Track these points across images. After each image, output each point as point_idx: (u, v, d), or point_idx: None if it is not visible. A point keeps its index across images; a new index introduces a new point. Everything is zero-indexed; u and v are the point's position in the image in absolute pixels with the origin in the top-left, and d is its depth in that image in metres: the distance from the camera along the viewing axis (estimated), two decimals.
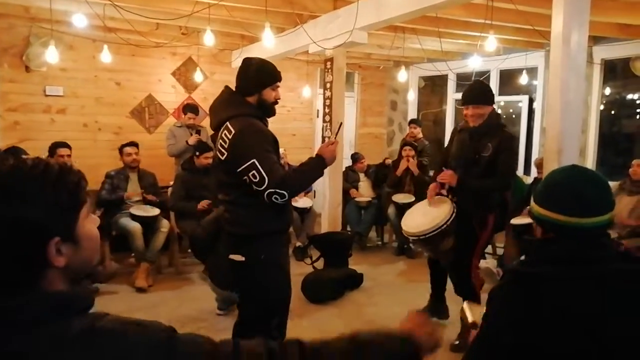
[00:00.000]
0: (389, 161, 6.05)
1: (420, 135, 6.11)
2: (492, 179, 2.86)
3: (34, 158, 0.80)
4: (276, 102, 2.21)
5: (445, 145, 3.36)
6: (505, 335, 1.15)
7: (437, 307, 3.43)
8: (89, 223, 0.83)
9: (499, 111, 6.86)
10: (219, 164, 2.12)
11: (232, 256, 2.08)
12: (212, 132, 2.22)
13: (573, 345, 1.10)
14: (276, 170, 1.98)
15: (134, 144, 4.61)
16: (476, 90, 2.96)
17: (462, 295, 3.10)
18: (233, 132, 2.00)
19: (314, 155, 2.17)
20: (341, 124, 3.03)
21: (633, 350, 1.10)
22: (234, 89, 2.18)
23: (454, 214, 2.85)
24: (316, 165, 2.12)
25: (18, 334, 0.69)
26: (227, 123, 2.04)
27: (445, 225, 2.81)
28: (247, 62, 2.20)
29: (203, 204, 4.29)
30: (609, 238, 1.22)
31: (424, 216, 2.96)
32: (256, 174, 1.94)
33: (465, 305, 1.65)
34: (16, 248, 0.72)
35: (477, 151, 2.88)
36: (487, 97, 2.91)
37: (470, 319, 1.58)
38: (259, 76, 2.14)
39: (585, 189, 1.19)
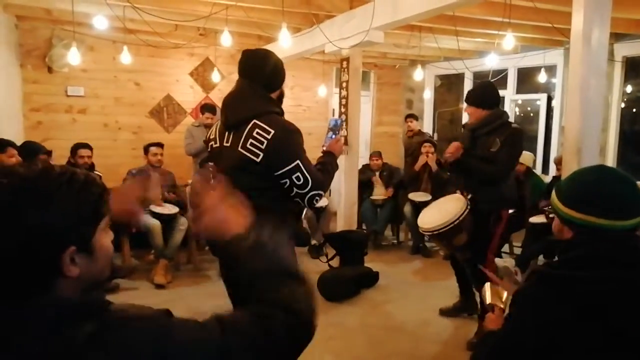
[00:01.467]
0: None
1: (418, 128, 6.18)
2: (491, 165, 2.94)
3: (61, 166, 0.80)
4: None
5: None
6: (531, 336, 1.14)
7: (466, 304, 3.51)
8: (105, 237, 0.83)
9: (517, 110, 6.81)
10: (244, 166, 1.87)
11: None
12: (224, 126, 2.01)
13: (605, 349, 1.08)
14: (315, 171, 1.94)
15: (160, 145, 4.70)
16: (475, 91, 3.14)
17: (479, 290, 3.12)
18: (272, 132, 1.84)
19: (321, 154, 2.17)
20: (343, 121, 3.04)
21: None
22: (248, 81, 1.98)
23: (467, 210, 2.92)
24: (334, 163, 2.13)
25: (28, 342, 0.69)
26: (256, 121, 1.87)
27: (457, 220, 2.88)
28: (264, 54, 2.04)
29: None
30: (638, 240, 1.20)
31: (439, 212, 3.04)
32: (300, 176, 1.87)
33: (487, 286, 1.65)
34: (32, 253, 0.72)
35: (486, 147, 2.97)
36: (482, 101, 3.04)
37: (488, 300, 1.58)
38: (282, 70, 2.04)
39: (620, 190, 1.18)
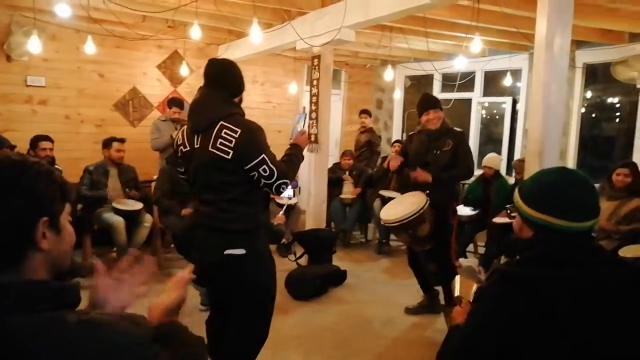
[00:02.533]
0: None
1: (371, 125, 6.34)
2: (457, 169, 3.32)
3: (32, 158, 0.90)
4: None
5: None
6: (492, 333, 1.16)
7: (430, 302, 3.64)
8: (67, 223, 0.92)
9: (483, 112, 6.97)
10: (215, 163, 2.06)
11: (230, 251, 2.11)
12: (191, 130, 2.16)
13: (561, 346, 1.11)
14: (279, 163, 2.16)
15: (122, 141, 4.56)
16: (432, 98, 3.58)
17: (443, 283, 3.43)
18: (238, 131, 2.04)
19: (289, 146, 2.40)
20: (307, 114, 3.27)
21: (620, 354, 1.11)
22: (211, 89, 2.17)
23: (427, 203, 3.19)
24: (299, 154, 2.36)
25: (12, 315, 0.75)
26: (222, 122, 2.05)
27: (421, 210, 3.13)
28: (228, 63, 2.23)
29: (186, 212, 4.24)
30: (594, 240, 1.25)
31: (402, 205, 3.29)
32: (266, 168, 2.08)
33: (457, 278, 1.66)
34: (16, 214, 0.81)
35: (437, 148, 3.36)
36: (439, 103, 3.49)
37: (456, 292, 1.60)
38: (240, 77, 2.23)
39: (579, 193, 1.21)
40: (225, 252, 2.10)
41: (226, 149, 2.03)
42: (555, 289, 1.14)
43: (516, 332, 1.13)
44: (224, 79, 2.18)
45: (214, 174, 2.09)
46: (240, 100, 2.24)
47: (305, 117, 2.93)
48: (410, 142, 3.60)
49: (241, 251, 2.12)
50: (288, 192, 4.87)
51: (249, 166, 2.05)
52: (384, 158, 5.73)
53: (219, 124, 2.05)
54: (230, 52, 5.94)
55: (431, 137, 3.41)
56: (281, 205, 5.15)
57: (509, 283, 1.18)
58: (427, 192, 3.29)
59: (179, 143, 2.24)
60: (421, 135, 3.49)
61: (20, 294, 0.78)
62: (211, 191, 2.14)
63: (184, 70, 5.82)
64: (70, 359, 0.74)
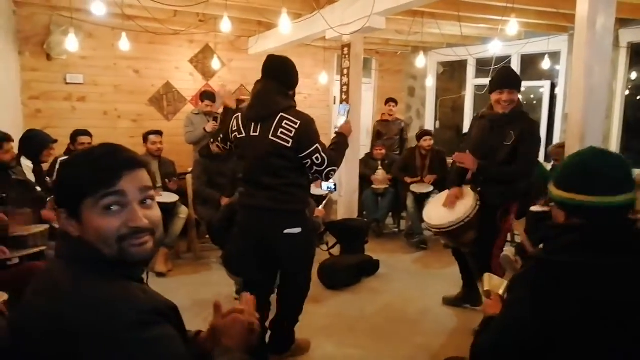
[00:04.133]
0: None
1: (397, 115, 6.30)
2: (512, 166, 2.82)
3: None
4: None
5: (465, 132, 3.37)
6: (528, 319, 1.13)
7: (469, 295, 3.46)
8: (99, 217, 0.94)
9: (520, 97, 6.73)
10: (277, 151, 2.34)
11: (288, 230, 2.42)
12: (249, 119, 2.44)
13: (600, 334, 1.07)
14: (329, 151, 2.43)
15: (158, 133, 4.64)
16: (511, 75, 2.92)
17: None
18: (298, 122, 2.33)
19: (334, 134, 2.66)
20: (349, 106, 3.41)
21: None
22: (271, 83, 2.41)
23: (477, 207, 2.86)
24: (344, 142, 2.60)
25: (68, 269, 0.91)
26: (283, 114, 2.34)
27: (467, 219, 2.84)
28: (285, 59, 2.47)
29: (226, 201, 4.30)
30: (634, 223, 1.17)
31: (447, 209, 2.98)
32: (319, 156, 2.36)
33: (486, 275, 1.66)
34: (72, 185, 0.94)
35: (500, 139, 2.84)
36: (519, 83, 2.90)
37: (486, 286, 1.59)
38: (295, 73, 2.49)
39: (604, 166, 1.17)
40: (284, 232, 2.40)
41: (287, 137, 2.32)
42: (594, 274, 1.09)
43: (553, 319, 1.10)
44: (282, 74, 2.43)
45: (274, 160, 2.36)
46: (294, 94, 2.49)
47: (348, 109, 3.08)
48: (472, 129, 3.13)
49: (297, 230, 2.42)
50: (329, 184, 4.89)
51: (304, 154, 2.34)
52: (411, 149, 5.62)
53: (279, 116, 2.33)
54: (260, 44, 5.96)
55: (495, 123, 2.86)
56: (315, 197, 5.18)
57: (543, 269, 1.15)
58: (477, 188, 2.95)
59: (233, 129, 2.51)
60: (484, 120, 2.97)
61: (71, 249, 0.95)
62: (270, 176, 2.39)
63: (215, 64, 5.88)
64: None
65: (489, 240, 2.95)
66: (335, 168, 2.43)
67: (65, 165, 0.99)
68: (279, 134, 2.33)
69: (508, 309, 1.23)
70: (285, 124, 2.33)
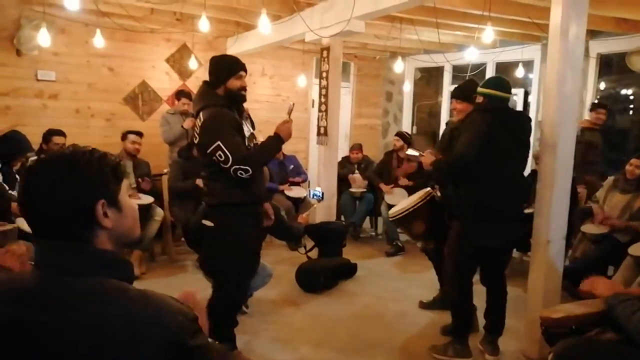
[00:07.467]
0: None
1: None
2: (447, 159, 2.72)
3: (84, 147, 0.99)
4: (243, 90, 2.52)
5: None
6: None
7: (446, 299, 3.39)
8: (129, 197, 1.03)
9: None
10: (197, 148, 2.55)
11: (204, 221, 2.53)
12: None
13: None
14: (238, 149, 2.35)
15: (139, 134, 4.55)
16: (462, 86, 3.11)
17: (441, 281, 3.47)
18: (202, 119, 2.40)
19: (271, 135, 2.55)
20: (293, 104, 2.78)
21: None
22: (203, 83, 2.56)
23: (423, 201, 3.05)
24: (274, 143, 2.50)
25: (79, 279, 0.89)
26: (200, 113, 2.44)
27: (412, 209, 3.05)
28: (211, 59, 2.57)
29: (200, 182, 4.20)
30: None
31: (405, 202, 3.29)
32: (221, 153, 2.31)
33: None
34: (73, 201, 0.91)
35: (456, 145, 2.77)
36: (469, 95, 2.87)
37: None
38: (219, 69, 2.49)
39: None
40: (202, 221, 2.53)
41: (197, 135, 2.44)
42: None
43: None
44: (209, 74, 2.53)
45: (200, 156, 2.54)
46: (227, 90, 2.46)
47: (291, 106, 2.67)
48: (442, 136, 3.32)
49: (210, 223, 2.51)
50: (316, 191, 4.69)
51: (209, 151, 2.35)
52: (388, 153, 5.68)
53: (199, 114, 2.45)
54: (239, 44, 5.92)
55: (454, 131, 2.98)
56: (291, 199, 5.15)
57: None
58: (436, 190, 3.10)
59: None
60: (447, 128, 3.19)
61: (91, 258, 0.92)
62: (202, 169, 2.59)
63: (192, 64, 5.80)
64: (127, 319, 0.85)
65: (437, 235, 3.05)
66: (246, 168, 2.33)
67: (99, 160, 0.98)
68: (194, 131, 2.50)
69: None
70: (197, 122, 2.46)
